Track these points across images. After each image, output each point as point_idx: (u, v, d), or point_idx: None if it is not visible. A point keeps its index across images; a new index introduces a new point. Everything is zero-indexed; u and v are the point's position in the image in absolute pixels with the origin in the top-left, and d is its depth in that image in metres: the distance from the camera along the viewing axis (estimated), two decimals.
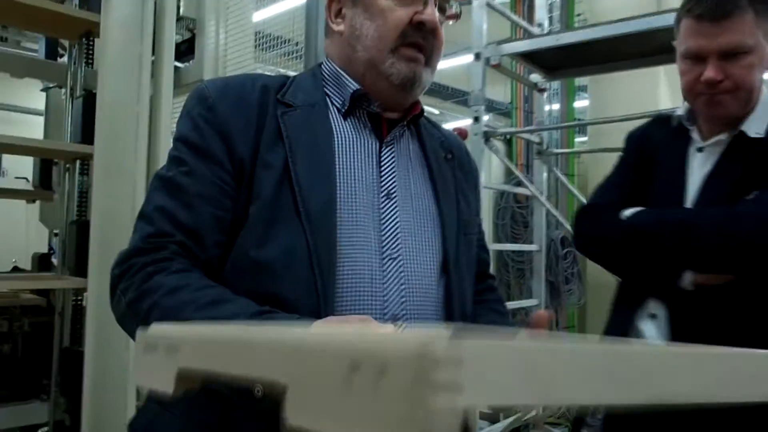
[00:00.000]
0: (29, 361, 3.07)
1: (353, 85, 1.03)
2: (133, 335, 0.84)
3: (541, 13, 3.34)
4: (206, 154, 0.94)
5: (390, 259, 0.96)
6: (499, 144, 4.21)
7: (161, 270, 0.88)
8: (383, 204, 0.99)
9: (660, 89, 4.43)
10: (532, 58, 3.06)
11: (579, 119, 5.25)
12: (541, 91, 3.30)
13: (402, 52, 1.00)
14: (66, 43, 3.25)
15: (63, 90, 3.26)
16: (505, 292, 4.10)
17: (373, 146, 1.03)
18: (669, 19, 2.47)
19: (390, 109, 1.05)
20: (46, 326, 3.15)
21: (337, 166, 0.97)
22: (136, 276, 0.88)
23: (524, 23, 3.30)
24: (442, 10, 1.04)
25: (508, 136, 3.87)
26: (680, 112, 1.50)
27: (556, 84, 4.68)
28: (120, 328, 0.94)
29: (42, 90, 3.46)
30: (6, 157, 5.24)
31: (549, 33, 2.94)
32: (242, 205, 0.93)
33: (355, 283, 0.92)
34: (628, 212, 1.42)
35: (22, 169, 4.22)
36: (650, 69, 3.60)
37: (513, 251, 3.92)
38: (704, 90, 1.34)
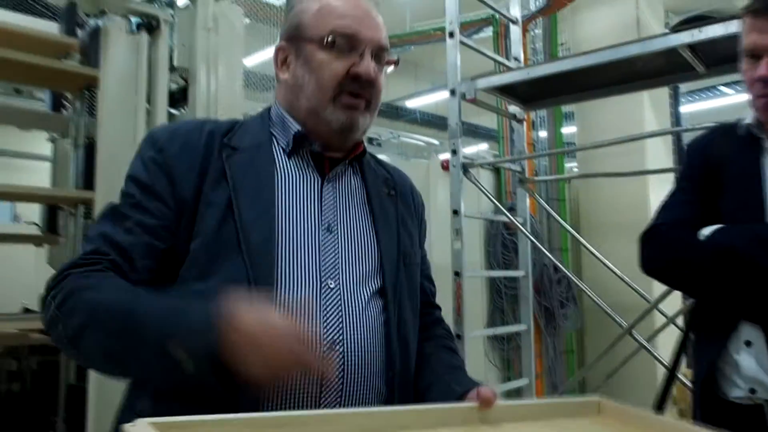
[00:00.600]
0: (37, 398, 3.21)
1: (296, 127, 1.12)
2: (60, 342, 0.97)
3: (516, 48, 3.49)
4: (151, 191, 1.04)
5: (328, 289, 1.05)
6: (487, 173, 4.33)
7: (90, 276, 0.97)
8: (324, 237, 1.07)
9: (644, 113, 4.54)
10: (508, 90, 3.20)
11: (569, 145, 5.38)
12: (520, 121, 3.44)
13: (341, 101, 1.08)
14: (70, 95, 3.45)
15: (67, 139, 3.44)
16: (499, 317, 4.19)
17: (315, 183, 1.11)
18: (647, 46, 2.59)
19: (332, 149, 1.14)
20: (53, 364, 3.29)
21: (277, 203, 1.05)
22: (65, 281, 0.97)
23: (499, 58, 3.45)
24: (379, 59, 1.12)
25: (495, 166, 3.99)
26: (748, 120, 1.39)
27: (543, 112, 4.82)
28: None
29: (48, 140, 3.65)
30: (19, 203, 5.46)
31: (518, 68, 3.08)
32: (183, 240, 1.02)
33: (295, 311, 0.97)
34: (706, 231, 1.32)
35: (33, 214, 4.40)
36: (635, 94, 3.69)
37: (505, 277, 4.01)
38: (761, 91, 1.27)
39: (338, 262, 1.07)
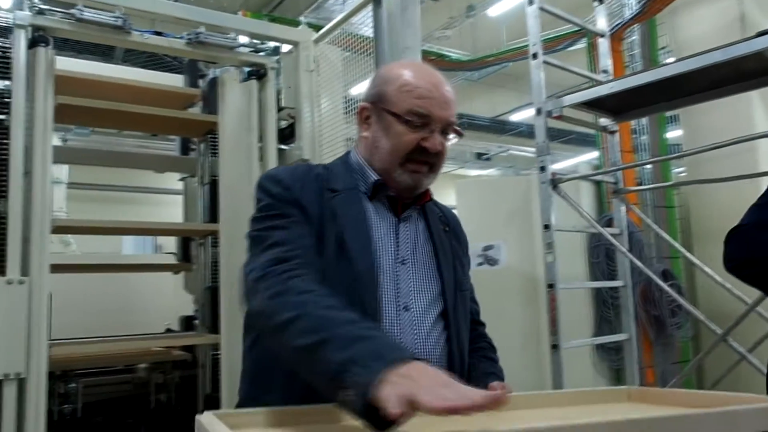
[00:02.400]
0: (180, 408, 3.63)
1: (374, 176, 1.32)
2: (258, 325, 1.16)
3: (604, 60, 3.53)
4: (293, 218, 1.23)
5: (405, 310, 1.27)
6: (587, 184, 4.35)
7: (296, 276, 1.12)
8: (398, 269, 1.29)
9: (755, 112, 4.37)
10: (597, 104, 3.24)
11: (675, 149, 5.22)
12: (612, 132, 3.46)
13: (408, 167, 1.28)
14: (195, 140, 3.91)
15: (195, 178, 3.89)
16: (606, 327, 4.17)
17: (392, 222, 1.32)
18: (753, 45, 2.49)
19: (403, 197, 1.34)
20: (193, 378, 3.71)
21: (372, 240, 1.28)
22: (276, 277, 1.12)
23: (586, 72, 3.50)
24: (445, 133, 1.29)
25: (590, 178, 4.00)
26: None
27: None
28: None
29: (179, 180, 4.13)
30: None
31: (605, 81, 3.12)
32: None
33: (384, 327, 1.21)
34: None
35: (172, 245, 4.89)
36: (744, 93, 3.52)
37: (610, 288, 4.01)
38: None
39: (411, 290, 1.29)
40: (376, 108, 1.33)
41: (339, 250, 1.22)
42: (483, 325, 1.52)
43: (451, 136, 1.32)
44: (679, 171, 5.76)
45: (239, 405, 1.28)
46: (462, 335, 1.34)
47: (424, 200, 1.38)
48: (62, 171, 7.39)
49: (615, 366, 4.19)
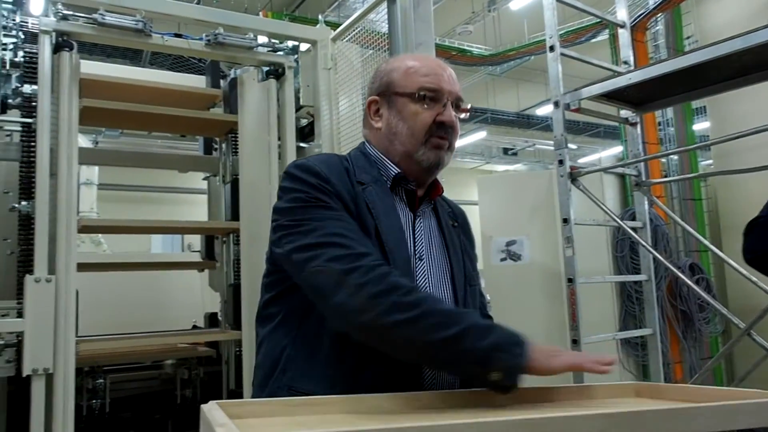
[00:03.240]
0: (205, 402, 3.68)
1: (395, 169, 1.33)
2: (364, 325, 1.13)
3: (625, 51, 3.48)
4: (337, 208, 1.24)
5: None
6: (611, 177, 4.30)
7: (387, 272, 1.15)
8: (416, 264, 1.30)
9: None
10: (617, 96, 3.20)
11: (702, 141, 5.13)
12: (633, 124, 3.42)
13: (431, 143, 1.31)
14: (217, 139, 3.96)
15: (217, 177, 3.94)
16: (632, 322, 4.12)
17: (409, 217, 1.34)
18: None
19: (420, 186, 1.36)
20: (217, 374, 3.77)
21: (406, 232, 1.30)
22: (370, 273, 1.14)
23: (605, 64, 3.45)
24: (458, 107, 1.34)
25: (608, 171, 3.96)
26: None
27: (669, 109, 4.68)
28: None
29: (203, 179, 4.19)
30: None
31: (625, 72, 3.08)
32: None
33: None
34: None
35: (199, 243, 4.96)
36: None
37: (635, 282, 3.96)
38: None
39: (427, 284, 1.31)
40: (385, 98, 1.36)
41: (375, 241, 1.23)
42: (489, 317, 1.53)
43: (462, 115, 1.36)
44: (708, 163, 5.65)
45: (264, 393, 1.27)
46: None
47: (436, 193, 1.40)
48: (93, 172, 7.56)
49: (642, 361, 4.14)
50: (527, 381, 1.12)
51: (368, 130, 1.42)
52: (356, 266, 1.14)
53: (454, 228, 1.43)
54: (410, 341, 1.11)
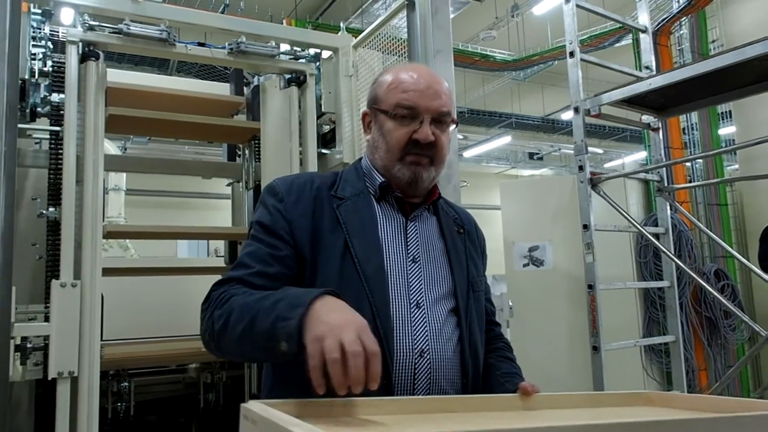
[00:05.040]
0: (229, 407, 3.73)
1: (380, 179, 1.37)
2: (210, 342, 1.21)
3: (646, 56, 3.46)
4: (273, 232, 1.30)
5: (416, 307, 1.29)
6: (634, 183, 4.26)
7: (225, 290, 1.22)
8: (410, 266, 1.32)
9: None
10: (638, 101, 3.18)
11: (726, 145, 5.05)
12: (655, 130, 3.39)
13: (407, 160, 1.32)
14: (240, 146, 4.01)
15: (240, 183, 3.99)
16: (655, 329, 4.07)
17: (400, 223, 1.36)
18: None
19: (408, 197, 1.38)
20: (240, 378, 3.80)
21: (381, 241, 1.31)
22: (211, 297, 1.24)
23: (626, 69, 3.43)
24: (439, 123, 1.33)
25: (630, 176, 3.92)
26: None
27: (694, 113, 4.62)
28: None
29: (227, 185, 4.25)
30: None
31: (646, 77, 3.05)
32: (308, 273, 1.27)
33: (395, 325, 1.25)
34: None
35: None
36: None
37: (658, 288, 3.92)
38: None
39: (422, 287, 1.32)
40: (372, 111, 1.39)
41: (346, 255, 1.26)
42: (498, 325, 1.54)
43: (451, 127, 1.36)
44: (734, 168, 5.56)
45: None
46: (475, 334, 1.35)
47: (432, 198, 1.41)
48: (121, 178, 7.70)
49: (666, 368, 4.09)
50: (544, 389, 1.11)
51: (366, 141, 1.46)
52: (208, 294, 1.25)
53: (459, 234, 1.44)
54: (232, 345, 1.17)
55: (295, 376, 1.22)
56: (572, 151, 10.32)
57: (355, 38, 3.54)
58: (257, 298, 1.16)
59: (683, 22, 4.73)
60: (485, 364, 1.38)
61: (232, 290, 1.21)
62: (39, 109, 3.00)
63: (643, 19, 3.49)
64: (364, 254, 1.27)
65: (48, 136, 2.98)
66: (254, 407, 0.90)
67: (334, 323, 1.00)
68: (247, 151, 3.91)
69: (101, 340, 2.74)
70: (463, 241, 1.44)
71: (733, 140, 5.19)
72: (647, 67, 3.43)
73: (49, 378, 2.52)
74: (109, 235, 3.18)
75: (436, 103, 1.32)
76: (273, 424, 0.79)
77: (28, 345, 2.61)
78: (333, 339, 0.97)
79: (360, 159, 1.47)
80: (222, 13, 4.02)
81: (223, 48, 3.22)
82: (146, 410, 3.55)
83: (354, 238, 1.28)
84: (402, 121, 1.32)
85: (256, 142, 3.74)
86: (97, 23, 2.91)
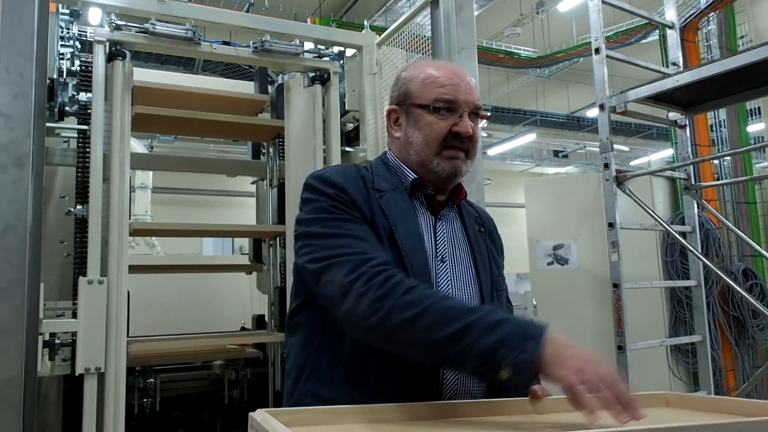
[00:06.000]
0: (252, 404, 3.75)
1: (412, 175, 1.36)
2: (370, 329, 1.13)
3: (673, 52, 3.40)
4: (353, 216, 1.27)
5: None
6: (661, 181, 4.20)
7: (391, 275, 1.15)
8: (438, 266, 1.31)
9: None
10: (665, 98, 3.13)
11: (755, 143, 4.95)
12: (682, 127, 3.33)
13: (444, 154, 1.32)
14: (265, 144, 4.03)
15: (265, 181, 4.01)
16: (682, 328, 4.01)
17: (430, 221, 1.36)
18: None
19: (439, 192, 1.39)
20: (264, 375, 3.83)
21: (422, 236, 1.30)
22: (373, 279, 1.14)
23: (653, 65, 3.38)
24: (475, 116, 1.34)
25: (658, 174, 3.86)
26: None
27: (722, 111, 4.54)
28: None
29: (251, 183, 4.28)
30: None
31: (673, 74, 3.00)
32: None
33: None
34: None
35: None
36: None
37: (685, 287, 3.86)
38: None
39: (450, 288, 1.31)
40: (403, 107, 1.38)
41: (392, 247, 1.25)
42: None
43: (482, 122, 1.36)
44: (763, 165, 5.45)
45: (291, 400, 1.30)
46: None
47: (459, 197, 1.41)
48: (147, 176, 7.80)
49: (692, 368, 4.03)
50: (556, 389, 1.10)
51: (390, 138, 1.45)
52: (360, 273, 1.15)
53: (480, 233, 1.44)
54: (412, 342, 1.11)
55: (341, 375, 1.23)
56: (597, 149, 10.26)
57: (379, 36, 3.54)
58: (461, 307, 1.13)
59: (711, 18, 4.64)
60: None
61: (406, 280, 1.16)
62: (67, 108, 3.05)
63: (670, 14, 3.43)
64: (410, 247, 1.26)
65: (76, 135, 3.03)
66: (258, 416, 0.91)
67: (584, 356, 1.03)
68: (271, 149, 3.94)
69: (127, 336, 2.78)
70: (484, 240, 1.43)
71: (762, 137, 5.08)
72: (674, 64, 3.37)
73: (77, 374, 2.56)
74: (135, 232, 3.23)
75: (472, 96, 1.34)
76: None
77: (56, 341, 2.66)
78: (593, 373, 0.99)
79: (384, 153, 1.46)
80: (247, 11, 4.03)
81: (248, 47, 3.24)
82: (171, 406, 3.59)
83: (399, 230, 1.27)
84: (442, 115, 1.32)
85: (281, 140, 3.77)
86: (123, 23, 2.95)
